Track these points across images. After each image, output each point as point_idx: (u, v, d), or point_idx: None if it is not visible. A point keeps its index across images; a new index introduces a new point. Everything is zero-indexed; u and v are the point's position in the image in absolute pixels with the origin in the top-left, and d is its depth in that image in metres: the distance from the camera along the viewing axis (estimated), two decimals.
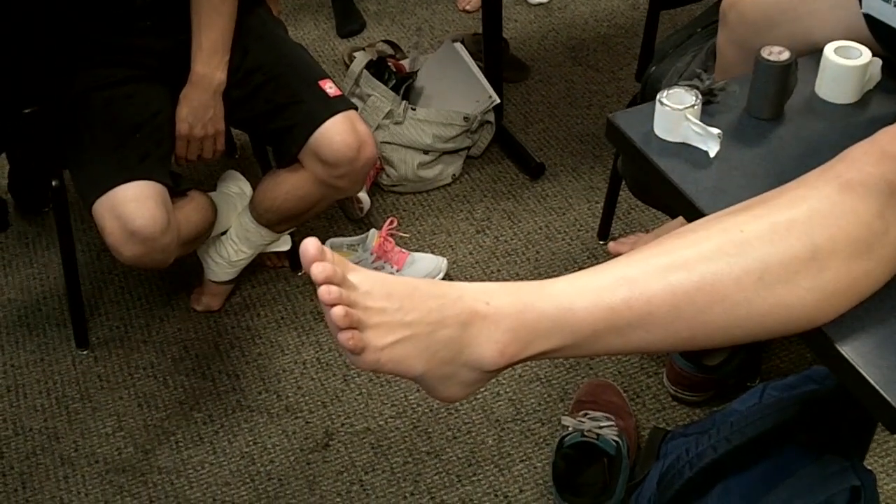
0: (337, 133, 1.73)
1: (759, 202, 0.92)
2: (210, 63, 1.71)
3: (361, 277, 0.85)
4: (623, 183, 2.02)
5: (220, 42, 1.71)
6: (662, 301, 0.87)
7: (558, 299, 0.87)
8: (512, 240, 2.17)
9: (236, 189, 2.05)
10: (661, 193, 1.15)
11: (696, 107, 1.12)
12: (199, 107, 1.73)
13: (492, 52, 2.34)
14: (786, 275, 0.87)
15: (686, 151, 1.13)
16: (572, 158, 2.37)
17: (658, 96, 1.13)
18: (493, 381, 1.86)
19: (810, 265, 0.87)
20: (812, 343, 0.94)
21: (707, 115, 1.16)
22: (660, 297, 0.87)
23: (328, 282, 0.81)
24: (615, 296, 0.87)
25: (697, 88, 1.15)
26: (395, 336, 0.84)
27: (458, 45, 2.39)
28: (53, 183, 1.81)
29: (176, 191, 1.74)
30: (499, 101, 2.32)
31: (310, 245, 0.81)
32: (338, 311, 0.80)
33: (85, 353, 1.97)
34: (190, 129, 1.74)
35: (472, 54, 2.40)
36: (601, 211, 2.13)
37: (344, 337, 0.81)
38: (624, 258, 0.91)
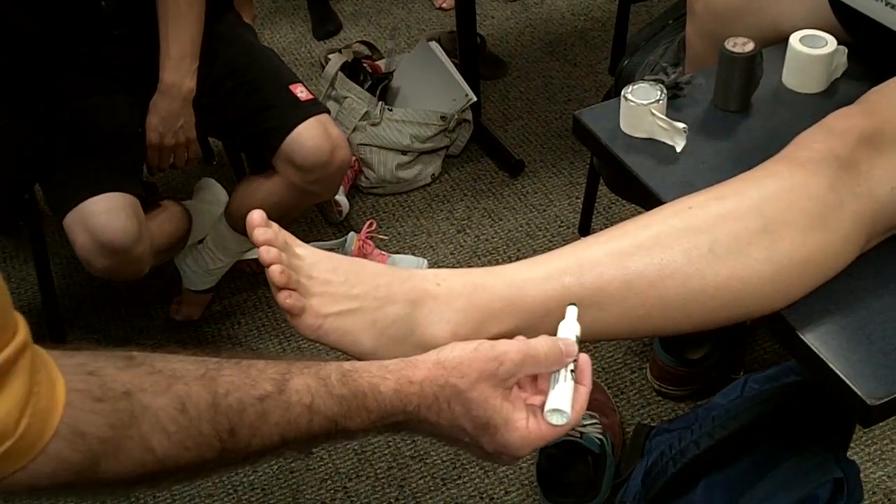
0: (309, 137, 1.71)
1: (714, 187, 0.93)
2: (178, 71, 1.69)
3: (308, 252, 0.84)
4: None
5: (189, 50, 1.69)
6: (613, 276, 0.87)
7: (510, 280, 0.87)
8: (493, 238, 2.15)
9: (212, 197, 2.04)
10: (629, 189, 1.14)
11: (661, 101, 1.10)
12: (169, 116, 1.71)
13: (467, 49, 2.33)
14: (736, 246, 0.87)
15: (652, 147, 1.11)
16: (552, 154, 2.35)
17: (623, 92, 1.11)
18: None
19: (762, 237, 0.87)
20: (781, 337, 0.93)
21: (673, 110, 1.14)
22: (611, 272, 0.87)
23: (268, 244, 0.80)
24: (566, 274, 0.87)
25: (662, 83, 1.13)
26: (341, 307, 0.82)
27: (433, 44, 2.38)
28: (25, 197, 1.80)
29: (149, 200, 1.72)
30: (476, 99, 2.31)
31: (255, 215, 0.82)
32: (274, 269, 0.79)
33: None
34: (161, 139, 1.73)
35: (449, 52, 2.38)
36: (581, 207, 2.12)
37: (282, 296, 0.80)
38: (577, 242, 0.91)
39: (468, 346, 0.77)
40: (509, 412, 0.77)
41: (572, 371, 0.79)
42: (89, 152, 1.66)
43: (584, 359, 0.81)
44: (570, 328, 0.82)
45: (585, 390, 0.80)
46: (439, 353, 0.77)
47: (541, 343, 0.78)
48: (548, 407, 0.77)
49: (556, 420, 0.78)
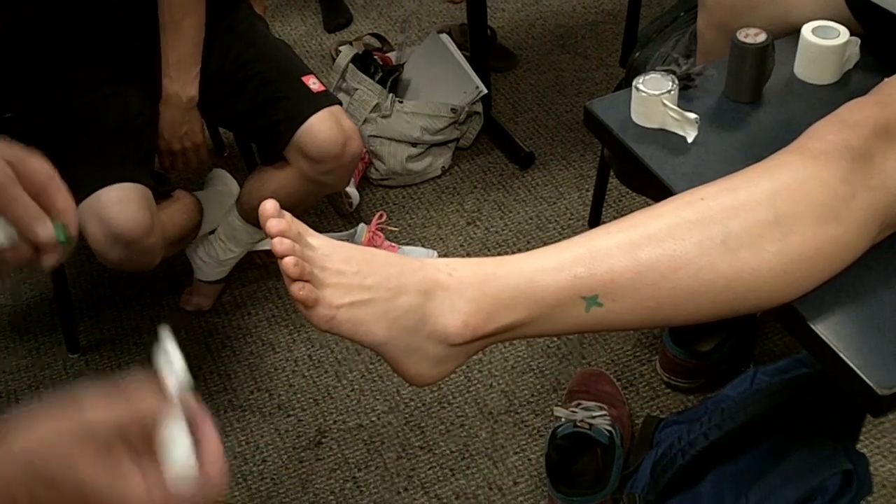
0: (322, 129, 1.71)
1: (725, 178, 0.92)
2: (178, 81, 1.68)
3: (321, 242, 0.85)
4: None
5: (188, 58, 1.68)
6: (625, 267, 0.87)
7: (521, 270, 0.87)
8: (503, 230, 2.15)
9: (223, 188, 2.05)
10: (640, 180, 1.14)
11: (672, 92, 1.10)
12: (173, 124, 1.72)
13: (478, 41, 2.32)
14: (749, 238, 0.87)
15: (664, 137, 1.11)
16: (562, 147, 2.35)
17: (634, 82, 1.11)
18: (486, 372, 1.85)
19: (774, 229, 0.87)
20: (792, 327, 0.93)
21: (684, 100, 1.14)
22: (622, 263, 0.87)
23: (281, 234, 0.80)
24: (578, 265, 0.87)
25: (674, 73, 1.13)
26: (353, 297, 0.83)
27: (444, 37, 2.38)
28: None
29: (160, 191, 1.73)
30: (486, 91, 2.31)
31: (268, 205, 0.82)
32: (288, 261, 0.80)
33: (76, 357, 1.97)
34: (168, 145, 1.74)
35: (459, 45, 2.38)
36: (592, 199, 2.12)
37: (295, 288, 0.80)
38: (588, 233, 0.91)
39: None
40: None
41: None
42: (100, 143, 1.67)
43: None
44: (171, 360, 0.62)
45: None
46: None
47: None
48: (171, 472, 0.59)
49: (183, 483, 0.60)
